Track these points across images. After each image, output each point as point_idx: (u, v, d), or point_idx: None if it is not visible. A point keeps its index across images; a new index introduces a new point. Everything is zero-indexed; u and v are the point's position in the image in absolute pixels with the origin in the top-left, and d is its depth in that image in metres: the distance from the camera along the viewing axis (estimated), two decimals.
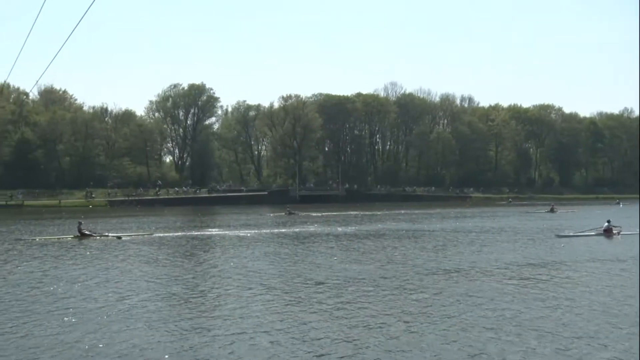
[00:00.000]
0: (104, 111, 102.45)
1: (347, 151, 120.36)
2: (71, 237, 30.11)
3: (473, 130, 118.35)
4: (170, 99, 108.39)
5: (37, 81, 64.56)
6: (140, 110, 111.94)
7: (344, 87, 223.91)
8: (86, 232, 30.48)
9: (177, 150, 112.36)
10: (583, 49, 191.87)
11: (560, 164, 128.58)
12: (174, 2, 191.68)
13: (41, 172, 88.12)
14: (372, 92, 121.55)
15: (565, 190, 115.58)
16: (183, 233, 34.74)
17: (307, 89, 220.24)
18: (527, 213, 58.65)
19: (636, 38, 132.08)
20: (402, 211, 61.40)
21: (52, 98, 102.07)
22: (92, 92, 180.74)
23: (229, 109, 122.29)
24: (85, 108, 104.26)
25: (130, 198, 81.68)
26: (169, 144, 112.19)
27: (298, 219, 49.68)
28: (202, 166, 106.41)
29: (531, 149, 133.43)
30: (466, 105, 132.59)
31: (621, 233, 31.35)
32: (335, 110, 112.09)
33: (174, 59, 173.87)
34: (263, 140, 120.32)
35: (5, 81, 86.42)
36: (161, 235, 33.08)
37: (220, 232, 35.17)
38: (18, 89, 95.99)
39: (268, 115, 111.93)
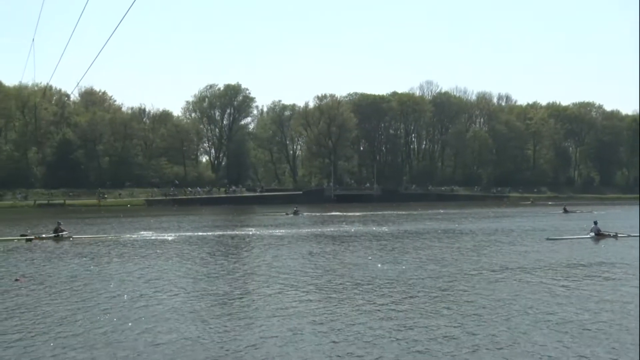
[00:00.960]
0: (142, 112, 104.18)
1: (382, 150, 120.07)
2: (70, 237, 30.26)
3: (510, 129, 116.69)
4: (207, 99, 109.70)
5: (77, 83, 66.75)
6: (177, 111, 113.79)
7: (379, 86, 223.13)
8: (63, 233, 30.05)
9: (213, 150, 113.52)
10: (625, 46, 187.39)
11: (600, 163, 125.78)
12: (209, 4, 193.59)
13: (81, 172, 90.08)
14: (407, 91, 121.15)
15: (606, 190, 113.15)
16: (221, 232, 35.12)
17: (342, 89, 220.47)
18: (543, 214, 57.48)
19: None
20: (441, 211, 61.01)
21: (92, 99, 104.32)
22: (130, 93, 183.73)
23: (265, 109, 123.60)
24: (124, 109, 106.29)
25: (167, 197, 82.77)
26: (205, 144, 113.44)
27: (335, 218, 49.57)
28: (237, 166, 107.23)
29: (570, 148, 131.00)
30: (503, 103, 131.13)
31: (619, 236, 29.57)
32: (370, 110, 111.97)
33: (210, 59, 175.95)
34: (298, 140, 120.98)
35: (47, 84, 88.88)
36: (201, 234, 33.41)
37: (257, 232, 35.29)
38: (60, 90, 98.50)
39: (303, 115, 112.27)
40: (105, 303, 13.82)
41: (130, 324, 11.75)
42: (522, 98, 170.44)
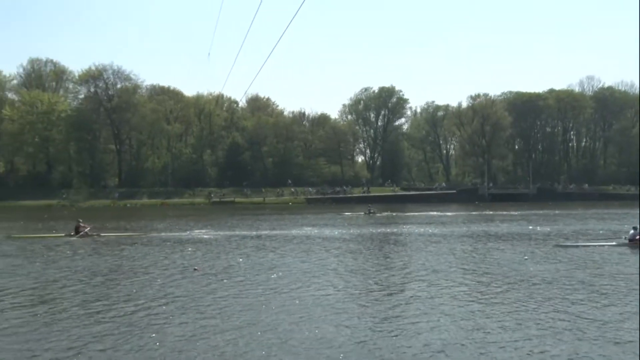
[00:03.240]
0: (302, 115, 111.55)
1: (539, 149, 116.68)
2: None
3: None
4: (362, 102, 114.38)
5: (245, 92, 73.40)
6: (334, 114, 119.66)
7: (535, 84, 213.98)
8: (85, 231, 30.71)
9: (368, 150, 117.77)
10: None
11: None
12: (364, 9, 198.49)
13: (248, 172, 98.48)
14: (565, 88, 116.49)
15: None
16: (373, 230, 36.75)
17: (496, 88, 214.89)
18: None
19: None
20: (606, 210, 57.72)
21: (258, 105, 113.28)
22: (291, 99, 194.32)
23: (418, 110, 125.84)
24: (285, 113, 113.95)
25: (326, 196, 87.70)
26: (360, 145, 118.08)
27: (485, 216, 49.51)
28: (392, 165, 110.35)
29: None
30: None
31: None
32: (525, 108, 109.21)
33: (365, 63, 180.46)
34: (451, 140, 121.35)
35: (220, 92, 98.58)
36: (358, 231, 35.70)
37: (411, 229, 36.30)
38: (230, 98, 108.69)
39: (456, 115, 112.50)
40: (269, 293, 15.02)
41: (299, 315, 12.65)
42: None
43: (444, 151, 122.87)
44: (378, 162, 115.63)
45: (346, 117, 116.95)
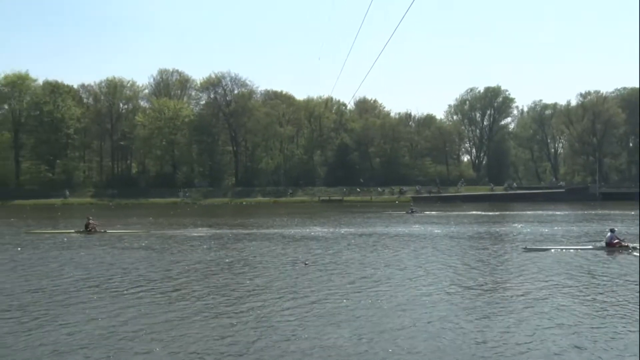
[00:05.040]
0: (408, 116, 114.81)
1: None
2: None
3: None
4: (468, 102, 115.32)
5: (353, 95, 77.24)
6: (440, 114, 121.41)
7: None
8: (95, 228, 33.14)
9: (474, 150, 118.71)
10: None
11: None
12: (469, 7, 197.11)
13: (356, 172, 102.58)
14: None
15: None
16: (478, 229, 37.69)
17: (608, 84, 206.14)
18: None
19: None
20: None
21: (365, 107, 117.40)
22: (398, 100, 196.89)
23: (525, 109, 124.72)
24: (392, 114, 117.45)
25: (431, 195, 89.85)
26: (466, 144, 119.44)
27: (601, 216, 48.29)
28: (498, 164, 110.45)
29: None
30: None
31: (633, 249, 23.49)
32: None
33: (471, 64, 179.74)
34: (560, 138, 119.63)
35: (329, 96, 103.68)
36: (460, 229, 36.95)
37: (519, 227, 36.84)
38: (339, 101, 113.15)
39: (565, 113, 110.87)
40: (374, 287, 15.91)
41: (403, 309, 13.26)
42: None
43: (552, 150, 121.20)
44: (484, 162, 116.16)
45: (452, 117, 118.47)
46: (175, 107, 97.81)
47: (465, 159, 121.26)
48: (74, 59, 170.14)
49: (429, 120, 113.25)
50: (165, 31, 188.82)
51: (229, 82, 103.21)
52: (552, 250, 24.05)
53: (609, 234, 24.44)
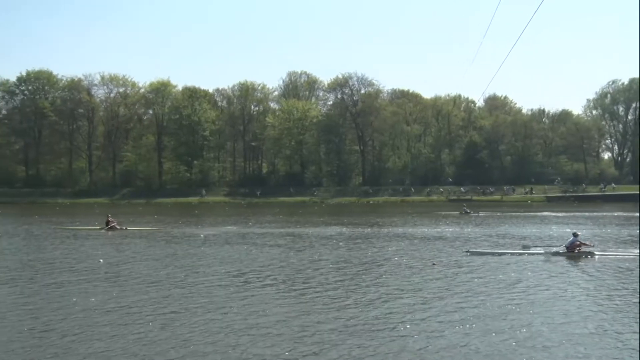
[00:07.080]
0: (541, 112, 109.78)
1: None
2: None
3: None
4: (609, 95, 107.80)
5: (483, 92, 75.05)
6: (577, 109, 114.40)
7: None
8: (114, 226, 35.40)
9: (616, 147, 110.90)
10: None
11: None
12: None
13: (485, 170, 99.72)
14: None
15: None
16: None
17: None
18: None
19: None
20: None
21: (495, 104, 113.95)
22: (530, 96, 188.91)
23: None
24: (524, 111, 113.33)
25: (567, 194, 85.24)
26: (607, 141, 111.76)
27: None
28: None
29: None
30: None
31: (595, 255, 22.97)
32: None
33: (609, 56, 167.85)
34: None
35: (457, 93, 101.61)
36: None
37: None
38: (467, 98, 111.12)
39: None
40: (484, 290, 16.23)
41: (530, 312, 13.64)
42: None
43: None
44: (628, 159, 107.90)
45: (590, 112, 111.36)
46: (304, 108, 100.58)
47: (606, 157, 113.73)
48: (210, 64, 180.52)
49: (564, 115, 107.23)
50: (294, 34, 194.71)
51: (356, 82, 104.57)
52: None
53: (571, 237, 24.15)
